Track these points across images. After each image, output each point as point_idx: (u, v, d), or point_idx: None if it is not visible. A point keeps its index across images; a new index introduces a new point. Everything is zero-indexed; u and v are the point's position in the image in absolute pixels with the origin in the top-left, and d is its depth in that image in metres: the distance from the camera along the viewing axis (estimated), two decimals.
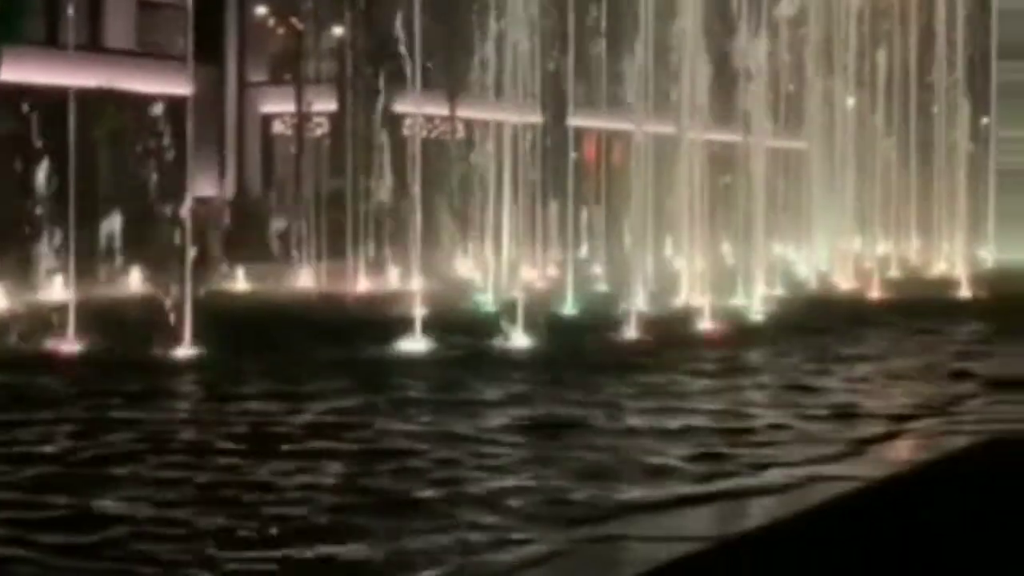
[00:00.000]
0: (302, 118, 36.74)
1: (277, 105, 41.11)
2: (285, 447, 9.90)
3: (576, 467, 9.09)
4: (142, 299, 21.09)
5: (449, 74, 36.80)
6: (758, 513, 8.08)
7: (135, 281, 26.29)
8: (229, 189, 40.08)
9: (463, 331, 17.97)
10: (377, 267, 28.83)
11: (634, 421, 11.21)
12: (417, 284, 19.35)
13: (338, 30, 34.86)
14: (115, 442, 10.13)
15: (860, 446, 9.92)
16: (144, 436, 10.36)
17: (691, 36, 29.98)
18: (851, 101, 40.18)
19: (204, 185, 41.71)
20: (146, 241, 25.61)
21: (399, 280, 26.25)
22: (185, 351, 15.90)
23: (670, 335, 18.38)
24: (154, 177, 27.41)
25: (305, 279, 29.53)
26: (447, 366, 15.19)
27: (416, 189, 21.91)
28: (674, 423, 11.02)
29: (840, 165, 36.37)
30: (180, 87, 41.43)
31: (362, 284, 27.41)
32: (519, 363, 15.48)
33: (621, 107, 37.44)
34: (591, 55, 36.12)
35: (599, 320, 19.54)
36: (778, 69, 34.89)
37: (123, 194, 31.60)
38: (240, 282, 28.00)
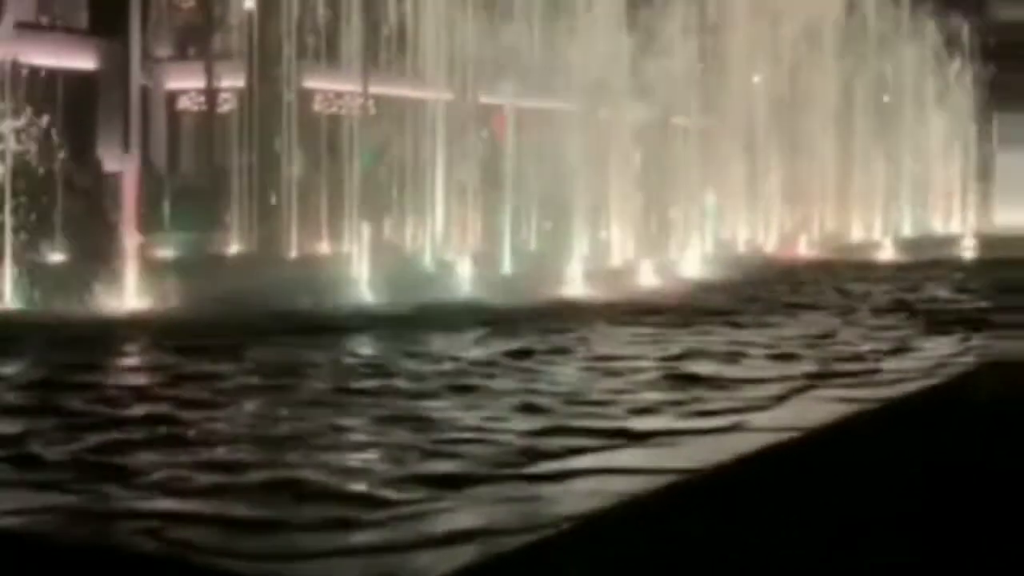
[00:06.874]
0: (212, 94, 36.25)
1: (183, 81, 40.39)
2: None
3: None
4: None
5: (362, 50, 36.57)
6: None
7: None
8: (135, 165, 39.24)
9: (409, 289, 17.94)
10: (312, 235, 28.72)
11: None
12: (356, 249, 19.21)
13: (248, 3, 34.48)
14: None
15: None
16: None
17: (610, 15, 30.25)
18: (756, 79, 40.90)
19: (110, 161, 40.91)
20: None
21: (334, 246, 26.12)
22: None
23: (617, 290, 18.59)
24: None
25: (239, 246, 29.17)
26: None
27: (344, 162, 21.79)
28: None
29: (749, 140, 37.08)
30: (84, 62, 40.65)
31: (298, 249, 27.17)
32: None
33: (533, 85, 37.58)
34: (502, 32, 36.14)
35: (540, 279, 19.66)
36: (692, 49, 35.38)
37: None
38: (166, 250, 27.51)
